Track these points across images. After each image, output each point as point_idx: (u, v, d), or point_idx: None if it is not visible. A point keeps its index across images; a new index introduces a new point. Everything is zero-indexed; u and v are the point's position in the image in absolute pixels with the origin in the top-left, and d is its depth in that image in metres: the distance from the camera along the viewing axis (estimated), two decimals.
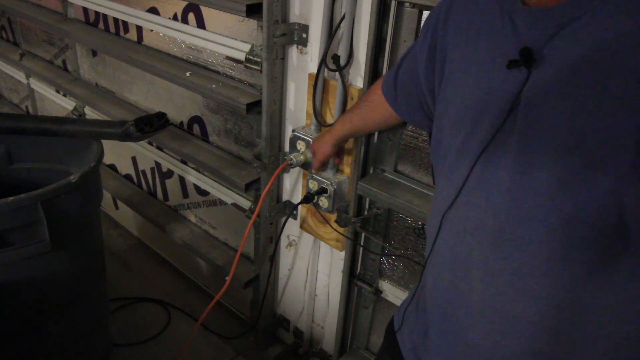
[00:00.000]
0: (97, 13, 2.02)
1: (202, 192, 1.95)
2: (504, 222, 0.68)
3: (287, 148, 1.51)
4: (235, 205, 1.81)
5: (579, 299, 0.67)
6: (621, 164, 0.58)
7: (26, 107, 2.82)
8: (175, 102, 1.88)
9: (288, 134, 1.51)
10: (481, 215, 0.72)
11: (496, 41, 0.69)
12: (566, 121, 0.61)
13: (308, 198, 1.43)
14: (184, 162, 1.95)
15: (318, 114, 1.37)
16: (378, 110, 1.08)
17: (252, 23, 1.46)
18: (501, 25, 0.68)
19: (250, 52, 1.44)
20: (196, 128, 1.85)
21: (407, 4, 1.17)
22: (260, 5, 1.30)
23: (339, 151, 1.33)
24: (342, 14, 1.23)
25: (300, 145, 1.40)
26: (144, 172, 2.22)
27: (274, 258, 1.70)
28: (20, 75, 2.65)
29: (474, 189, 0.72)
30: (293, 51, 1.41)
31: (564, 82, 0.61)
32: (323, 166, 1.36)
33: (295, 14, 1.36)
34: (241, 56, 1.47)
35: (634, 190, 0.58)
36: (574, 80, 0.60)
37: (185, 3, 1.63)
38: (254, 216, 1.53)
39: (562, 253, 0.65)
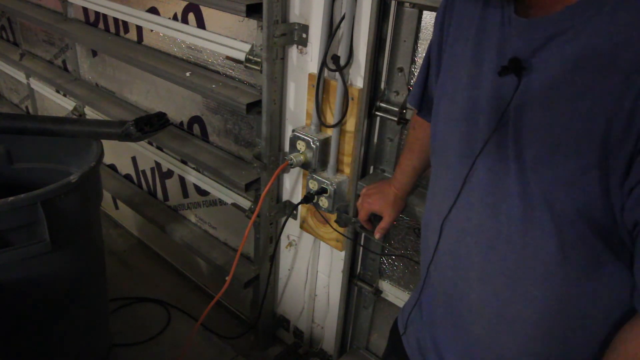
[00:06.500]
0: (97, 13, 2.02)
1: (202, 192, 1.95)
2: (501, 223, 0.69)
3: (287, 148, 1.51)
4: (235, 205, 1.81)
5: (575, 302, 0.68)
6: (602, 164, 0.58)
7: (26, 107, 2.82)
8: (175, 102, 1.88)
9: (288, 134, 1.51)
10: (480, 216, 0.73)
11: (494, 44, 0.70)
12: (547, 130, 0.63)
13: (308, 198, 1.43)
14: (184, 162, 1.95)
15: (320, 114, 1.37)
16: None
17: (252, 23, 1.46)
18: (500, 30, 0.69)
19: (250, 52, 1.45)
20: (196, 128, 1.85)
21: (407, 4, 1.17)
22: (260, 5, 1.30)
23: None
24: (342, 14, 1.23)
25: (300, 145, 1.40)
26: (144, 172, 2.22)
27: (274, 258, 1.70)
28: (20, 75, 2.65)
29: (473, 190, 0.73)
30: (293, 51, 1.41)
31: (545, 93, 0.63)
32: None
33: (295, 14, 1.36)
34: (241, 56, 1.48)
35: (620, 188, 0.58)
36: (552, 93, 0.62)
37: (185, 3, 1.63)
38: (254, 216, 1.53)
39: (558, 255, 0.65)
